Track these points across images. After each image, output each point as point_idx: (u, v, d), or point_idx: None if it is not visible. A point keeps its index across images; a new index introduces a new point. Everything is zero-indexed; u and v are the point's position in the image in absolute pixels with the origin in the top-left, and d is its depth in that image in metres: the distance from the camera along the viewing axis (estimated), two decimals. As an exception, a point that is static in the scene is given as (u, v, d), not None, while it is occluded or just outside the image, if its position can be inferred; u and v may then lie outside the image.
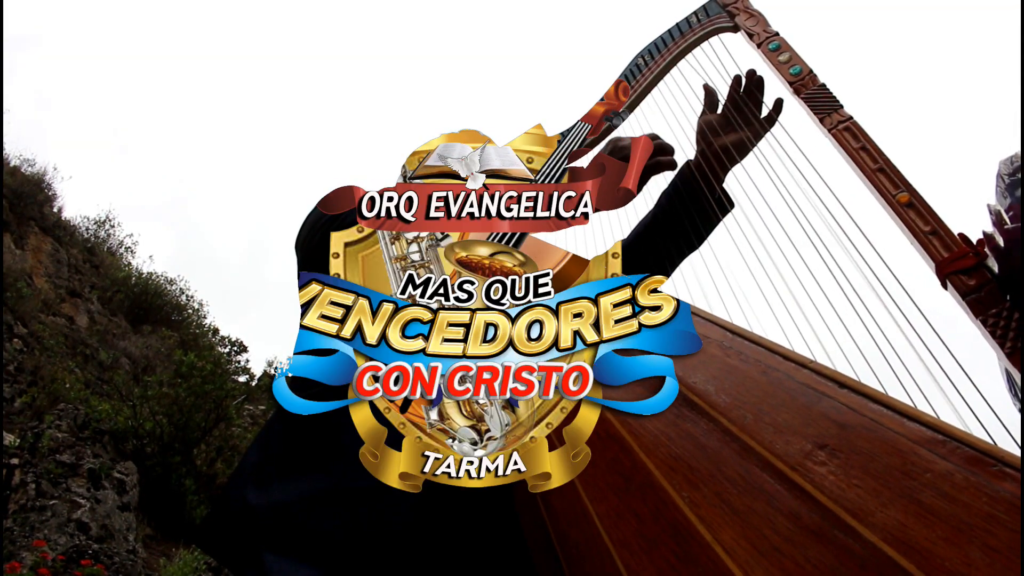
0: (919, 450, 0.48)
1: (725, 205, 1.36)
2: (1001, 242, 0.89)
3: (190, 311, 12.57)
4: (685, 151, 1.38)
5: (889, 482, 0.48)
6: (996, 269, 0.89)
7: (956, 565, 0.42)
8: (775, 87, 1.15)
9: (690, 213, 1.30)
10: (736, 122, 1.34)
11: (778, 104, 1.31)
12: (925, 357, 0.79)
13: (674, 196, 1.37)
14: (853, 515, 0.48)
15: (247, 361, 12.28)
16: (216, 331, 12.60)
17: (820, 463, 0.52)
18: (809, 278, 0.93)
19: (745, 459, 0.58)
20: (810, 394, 0.58)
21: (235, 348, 12.24)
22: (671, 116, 1.32)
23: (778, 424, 0.58)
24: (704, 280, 1.27)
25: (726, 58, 1.25)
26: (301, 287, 0.93)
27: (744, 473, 0.57)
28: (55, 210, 10.76)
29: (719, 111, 1.38)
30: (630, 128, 1.38)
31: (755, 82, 1.32)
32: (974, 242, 0.92)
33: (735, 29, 1.28)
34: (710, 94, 1.36)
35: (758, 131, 1.31)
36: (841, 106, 1.09)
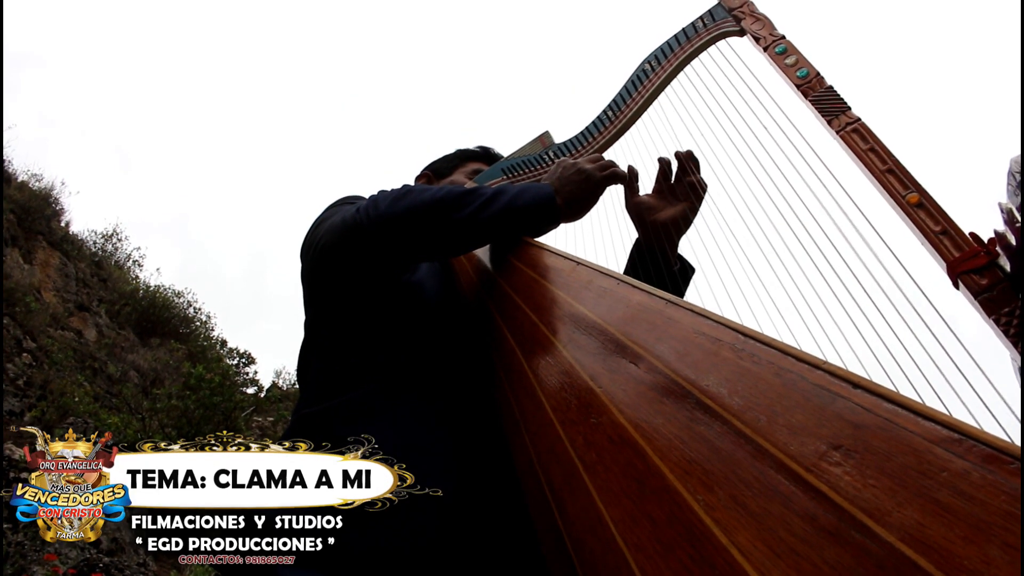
0: (935, 449, 0.48)
1: (686, 274, 1.37)
2: (1013, 240, 0.89)
3: (198, 323, 12.63)
4: (692, 150, 1.37)
5: (905, 481, 0.48)
6: (1008, 268, 0.89)
7: (975, 564, 0.42)
8: (782, 91, 1.15)
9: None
10: (673, 196, 1.36)
11: (703, 184, 1.33)
12: (938, 356, 0.79)
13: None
14: (870, 515, 0.48)
15: (255, 373, 12.32)
16: (224, 343, 12.66)
17: (835, 463, 0.52)
18: (820, 279, 0.93)
19: (760, 461, 0.57)
20: (824, 395, 0.57)
21: (243, 360, 12.27)
22: (677, 121, 1.32)
23: (792, 425, 0.57)
24: (715, 283, 1.27)
25: (736, 61, 1.25)
26: None
27: (759, 475, 0.57)
28: (63, 224, 10.83)
29: (652, 191, 1.39)
30: (638, 133, 1.39)
31: (687, 162, 1.33)
32: (985, 241, 0.91)
33: (741, 33, 1.28)
34: (634, 175, 1.37)
35: (695, 205, 1.33)
36: (849, 108, 1.09)
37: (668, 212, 1.34)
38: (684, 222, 1.34)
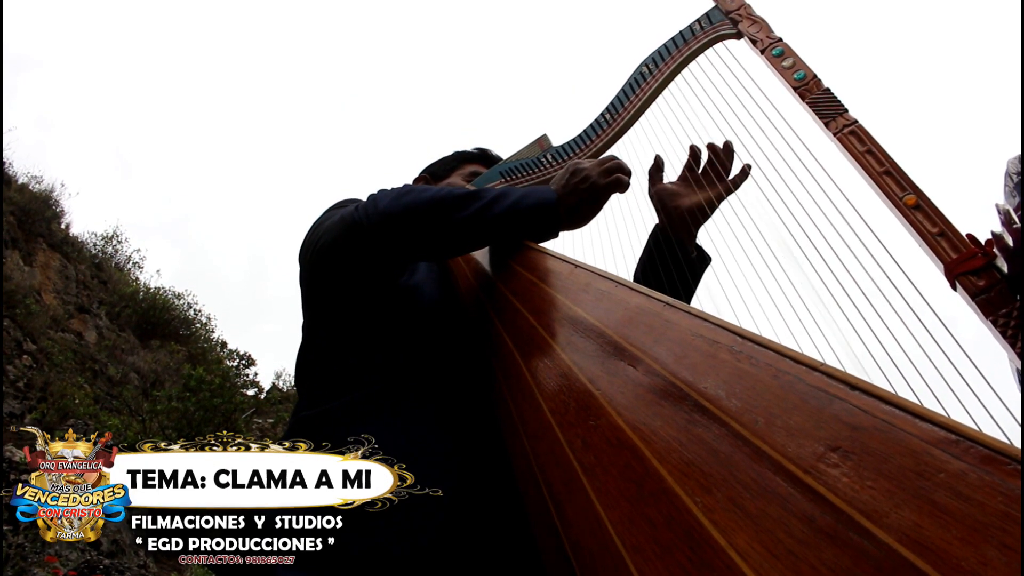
0: (932, 450, 0.48)
1: (703, 262, 1.37)
2: (1010, 242, 0.89)
3: (198, 325, 12.60)
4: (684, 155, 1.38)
5: (903, 483, 0.48)
6: (1006, 269, 0.89)
7: (972, 565, 0.42)
8: (779, 93, 1.16)
9: (672, 281, 1.30)
10: (698, 185, 1.37)
11: (745, 169, 1.33)
12: (936, 357, 0.79)
13: (648, 268, 1.38)
14: (867, 516, 0.48)
15: (255, 374, 12.32)
16: (224, 345, 12.64)
17: (833, 465, 0.52)
18: (818, 281, 0.93)
19: (758, 463, 0.57)
20: (821, 397, 0.57)
21: (243, 361, 12.27)
22: (676, 124, 1.33)
23: (790, 427, 0.57)
24: (712, 285, 1.27)
25: (733, 64, 1.25)
26: None
27: (757, 477, 0.57)
28: (63, 226, 10.82)
29: (677, 179, 1.41)
30: (636, 137, 1.39)
31: (726, 151, 1.35)
32: (983, 242, 0.91)
33: (738, 36, 1.28)
34: (659, 164, 1.39)
35: (721, 193, 1.33)
36: (846, 110, 1.09)
37: (691, 199, 1.36)
38: (705, 210, 1.35)
